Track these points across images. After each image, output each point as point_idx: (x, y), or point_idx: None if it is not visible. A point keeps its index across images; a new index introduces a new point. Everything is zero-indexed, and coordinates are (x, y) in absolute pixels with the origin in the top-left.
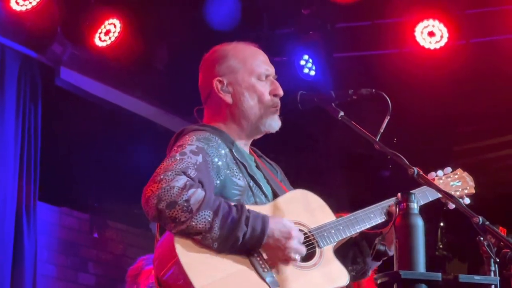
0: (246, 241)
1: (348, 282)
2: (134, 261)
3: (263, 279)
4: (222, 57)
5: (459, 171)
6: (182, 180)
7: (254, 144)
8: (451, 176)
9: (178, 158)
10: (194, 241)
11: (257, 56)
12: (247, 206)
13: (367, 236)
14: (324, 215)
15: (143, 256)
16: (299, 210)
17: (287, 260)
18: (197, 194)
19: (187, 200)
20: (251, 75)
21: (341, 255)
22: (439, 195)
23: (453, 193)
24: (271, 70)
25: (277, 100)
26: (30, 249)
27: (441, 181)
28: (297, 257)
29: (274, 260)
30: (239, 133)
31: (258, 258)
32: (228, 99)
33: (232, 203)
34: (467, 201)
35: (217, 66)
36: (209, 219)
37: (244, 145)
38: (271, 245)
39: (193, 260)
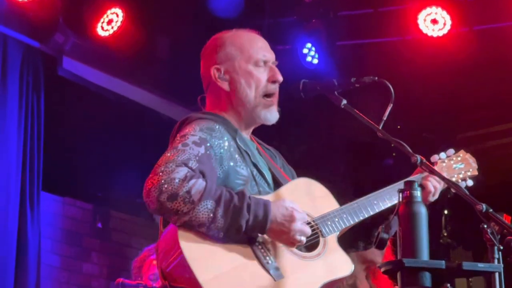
0: (250, 228)
1: (352, 271)
2: (138, 251)
3: (267, 271)
4: (220, 45)
5: (461, 152)
6: (182, 172)
7: (256, 131)
8: (454, 158)
9: (180, 149)
10: (198, 234)
11: (255, 42)
12: (251, 196)
13: None
14: (328, 204)
15: (147, 247)
16: (302, 199)
17: (292, 243)
18: (197, 184)
19: (188, 192)
20: (248, 62)
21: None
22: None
23: (456, 175)
24: (269, 56)
25: (275, 87)
26: (34, 239)
27: (444, 164)
28: (303, 238)
29: (279, 246)
30: (239, 122)
31: (262, 249)
32: (226, 87)
33: (234, 191)
34: (470, 183)
35: (215, 54)
36: (211, 209)
37: (245, 133)
38: (275, 229)
39: (197, 254)
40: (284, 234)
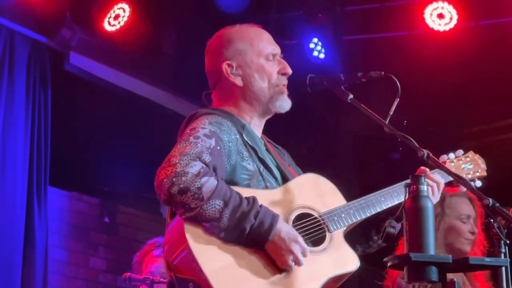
0: (253, 234)
1: (358, 267)
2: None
3: (273, 263)
4: (228, 41)
5: (470, 153)
6: (196, 167)
7: (264, 126)
8: (463, 159)
9: (192, 141)
10: (203, 228)
11: (262, 37)
12: (258, 191)
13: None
14: (335, 199)
15: (150, 240)
16: (310, 194)
17: (283, 263)
18: (209, 182)
19: (200, 188)
20: (259, 56)
21: (361, 230)
22: (450, 178)
23: (464, 176)
24: (277, 49)
25: (285, 79)
26: (41, 234)
27: (452, 164)
28: (294, 265)
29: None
30: (252, 114)
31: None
32: (239, 82)
33: (244, 196)
34: (478, 184)
35: (224, 50)
36: (219, 209)
37: (256, 127)
38: (275, 243)
39: (203, 245)
40: (281, 251)
